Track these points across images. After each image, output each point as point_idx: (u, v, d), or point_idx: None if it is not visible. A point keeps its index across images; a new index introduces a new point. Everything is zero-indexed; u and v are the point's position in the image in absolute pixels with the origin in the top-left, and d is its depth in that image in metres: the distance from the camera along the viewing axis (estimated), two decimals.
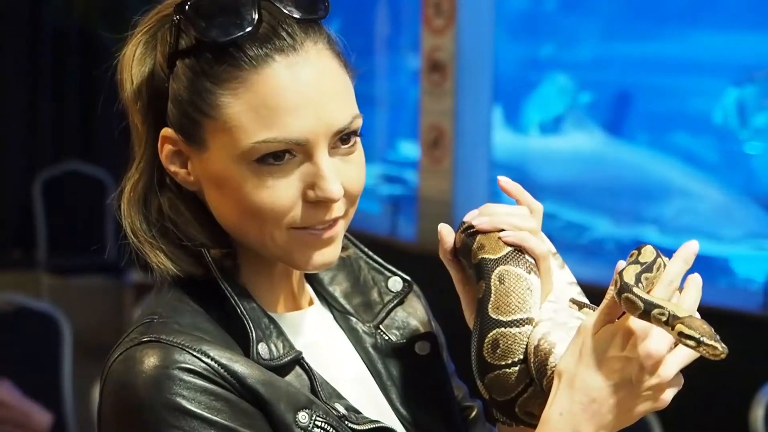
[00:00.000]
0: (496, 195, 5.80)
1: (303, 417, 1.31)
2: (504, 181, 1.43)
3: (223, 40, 1.29)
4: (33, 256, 7.48)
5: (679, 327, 1.21)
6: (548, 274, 1.41)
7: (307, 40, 1.31)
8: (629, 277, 1.25)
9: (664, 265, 1.29)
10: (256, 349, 1.32)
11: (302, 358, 1.36)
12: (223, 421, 1.27)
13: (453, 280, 1.45)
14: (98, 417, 1.35)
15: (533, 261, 1.38)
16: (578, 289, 1.46)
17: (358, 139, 1.35)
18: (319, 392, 1.34)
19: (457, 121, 5.58)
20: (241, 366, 1.30)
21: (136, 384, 1.28)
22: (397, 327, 1.52)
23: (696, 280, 1.29)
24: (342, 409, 1.35)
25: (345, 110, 1.32)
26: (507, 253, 1.37)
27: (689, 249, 1.28)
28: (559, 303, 1.40)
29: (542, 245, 1.39)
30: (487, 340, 1.36)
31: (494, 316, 1.36)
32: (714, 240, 5.19)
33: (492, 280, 1.36)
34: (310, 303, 1.48)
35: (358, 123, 1.34)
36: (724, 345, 1.21)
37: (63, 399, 3.92)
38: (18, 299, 4.05)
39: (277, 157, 1.29)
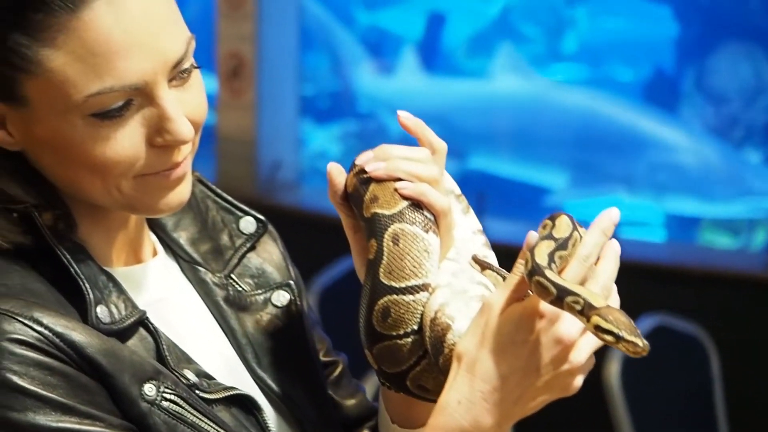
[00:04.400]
0: (305, 134, 5.71)
1: (149, 389, 1.27)
2: (404, 116, 1.35)
3: None
4: None
5: (596, 320, 1.17)
6: (449, 231, 1.34)
7: None
8: (541, 257, 1.20)
9: (581, 239, 1.25)
10: (95, 312, 1.29)
11: (146, 318, 1.32)
12: (59, 398, 1.24)
13: (343, 226, 1.39)
14: None
15: (432, 217, 1.31)
16: (484, 238, 1.40)
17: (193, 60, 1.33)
18: (167, 357, 1.31)
19: (259, 49, 5.38)
20: (79, 334, 1.26)
21: None
22: (252, 275, 1.47)
23: (614, 249, 1.26)
24: (192, 376, 1.31)
25: (178, 37, 1.28)
26: (403, 209, 1.30)
27: (609, 218, 1.25)
28: (460, 261, 1.35)
29: (443, 199, 1.33)
30: (377, 307, 1.30)
31: (386, 282, 1.29)
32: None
33: (385, 240, 1.29)
34: (154, 254, 1.44)
35: (193, 46, 1.30)
36: (645, 341, 1.17)
37: None
38: None
39: (114, 112, 1.25)
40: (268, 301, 1.46)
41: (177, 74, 1.29)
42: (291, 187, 5.50)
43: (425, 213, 1.30)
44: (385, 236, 1.28)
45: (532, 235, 1.23)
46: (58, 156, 1.28)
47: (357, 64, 5.98)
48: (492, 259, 1.40)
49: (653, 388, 3.72)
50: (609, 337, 1.16)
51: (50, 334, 1.24)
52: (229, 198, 1.49)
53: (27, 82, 1.26)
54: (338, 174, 1.35)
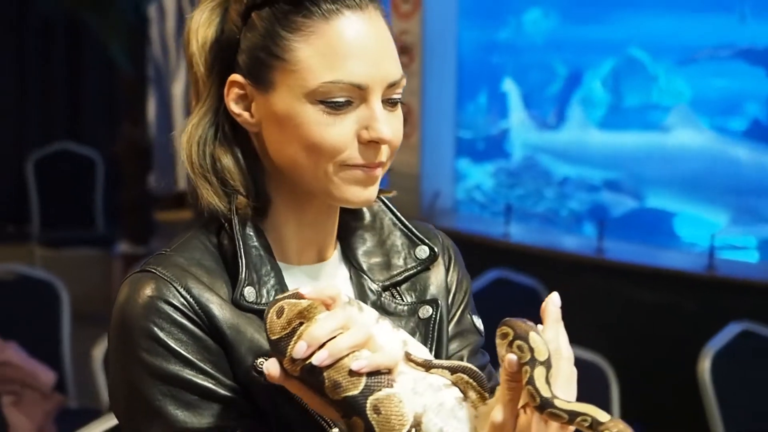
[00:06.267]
0: (459, 170, 6.04)
1: (260, 362, 1.37)
2: (307, 292, 1.33)
3: None
4: (26, 231, 7.54)
5: None
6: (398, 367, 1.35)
7: (370, 4, 1.42)
8: (545, 389, 1.26)
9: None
10: (242, 290, 1.40)
11: None
12: (185, 353, 1.37)
13: (287, 389, 1.34)
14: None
15: (388, 370, 1.32)
16: (387, 320, 1.40)
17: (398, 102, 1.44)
18: None
19: (423, 100, 5.72)
20: (215, 307, 1.38)
21: (127, 308, 1.39)
22: (416, 290, 1.55)
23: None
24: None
25: (397, 66, 1.42)
26: (366, 382, 1.30)
27: (555, 306, 1.31)
28: (400, 365, 1.35)
29: (391, 354, 1.32)
30: None
31: None
32: None
33: (369, 416, 1.30)
34: (330, 257, 1.52)
35: (404, 82, 1.43)
36: None
37: (63, 359, 4.07)
38: (18, 269, 4.21)
39: (338, 104, 1.38)
40: (415, 312, 1.52)
41: (389, 98, 1.40)
42: (448, 213, 5.77)
43: (382, 371, 1.31)
44: (368, 413, 1.29)
45: (512, 360, 1.27)
46: (285, 134, 1.39)
47: (518, 111, 6.00)
48: (410, 340, 1.40)
49: (742, 384, 3.80)
50: None
51: (193, 302, 1.37)
52: (413, 229, 1.55)
53: (277, 68, 1.39)
54: (273, 369, 1.31)
